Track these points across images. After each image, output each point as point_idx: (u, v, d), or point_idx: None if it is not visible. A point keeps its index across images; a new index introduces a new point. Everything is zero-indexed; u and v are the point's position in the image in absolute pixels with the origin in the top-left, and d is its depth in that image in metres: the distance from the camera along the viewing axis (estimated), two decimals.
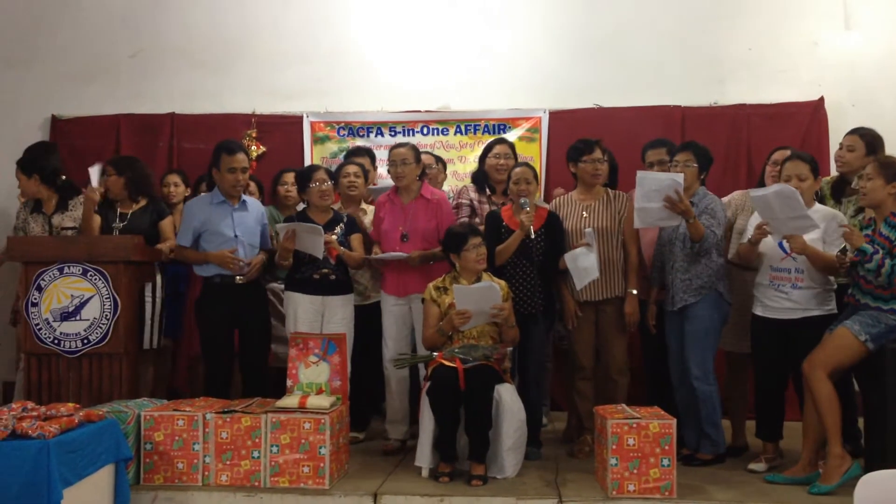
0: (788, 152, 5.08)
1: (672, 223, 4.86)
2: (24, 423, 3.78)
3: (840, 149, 5.19)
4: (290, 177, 5.94)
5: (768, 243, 4.70)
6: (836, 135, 6.43)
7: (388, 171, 5.41)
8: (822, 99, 6.78)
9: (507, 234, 5.12)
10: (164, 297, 5.46)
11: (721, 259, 4.95)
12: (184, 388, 6.10)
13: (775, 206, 4.46)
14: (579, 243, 5.02)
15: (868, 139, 5.08)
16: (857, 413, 4.86)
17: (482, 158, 5.81)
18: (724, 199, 5.24)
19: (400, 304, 5.30)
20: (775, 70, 6.93)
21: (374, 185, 6.11)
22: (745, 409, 5.29)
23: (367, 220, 5.67)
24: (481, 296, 4.71)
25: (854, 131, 5.18)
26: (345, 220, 5.37)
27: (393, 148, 5.39)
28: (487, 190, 5.76)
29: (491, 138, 6.61)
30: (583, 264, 4.95)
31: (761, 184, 5.25)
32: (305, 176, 5.37)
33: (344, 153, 6.47)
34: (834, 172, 5.47)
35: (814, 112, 6.78)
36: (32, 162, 5.65)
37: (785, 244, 4.59)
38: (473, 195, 5.79)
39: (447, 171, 6.59)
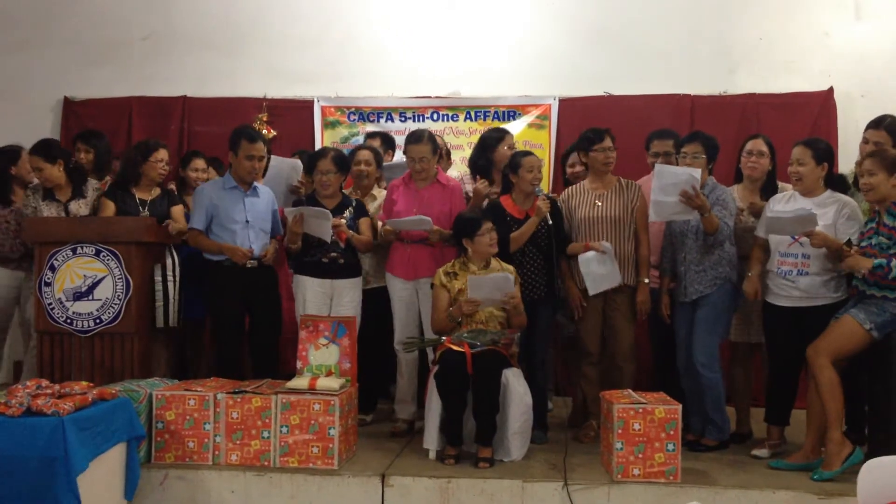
0: (760, 140, 5.21)
1: (687, 217, 4.87)
2: (39, 400, 3.85)
3: (866, 143, 5.06)
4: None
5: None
6: (845, 125, 6.49)
7: (409, 165, 5.35)
8: (831, 89, 6.79)
9: (513, 222, 5.15)
10: (181, 277, 5.50)
11: (733, 248, 4.98)
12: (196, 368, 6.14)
13: (789, 223, 4.55)
14: (592, 245, 5.03)
15: (892, 129, 4.99)
16: (863, 401, 4.88)
17: (488, 148, 5.74)
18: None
19: (407, 289, 5.31)
20: (785, 60, 6.94)
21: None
22: (749, 396, 5.32)
23: (376, 205, 5.65)
24: (495, 285, 4.77)
25: (879, 124, 5.04)
26: (353, 204, 5.40)
27: (410, 143, 5.33)
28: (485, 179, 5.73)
29: (501, 125, 6.63)
30: (598, 270, 5.00)
31: (738, 173, 5.30)
32: (311, 163, 5.39)
33: (363, 137, 6.49)
34: (850, 165, 5.43)
35: (823, 102, 6.78)
36: (54, 148, 5.64)
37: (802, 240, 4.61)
38: (469, 186, 5.78)
39: (454, 157, 6.56)
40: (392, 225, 5.26)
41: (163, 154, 5.61)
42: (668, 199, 4.75)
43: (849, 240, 4.44)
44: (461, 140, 6.93)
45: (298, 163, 5.86)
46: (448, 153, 6.36)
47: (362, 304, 5.39)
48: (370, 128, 7.05)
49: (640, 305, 5.15)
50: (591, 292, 5.05)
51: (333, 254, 5.24)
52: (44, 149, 5.60)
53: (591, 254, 5.01)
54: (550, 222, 5.06)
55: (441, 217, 5.21)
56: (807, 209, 4.57)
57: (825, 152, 4.74)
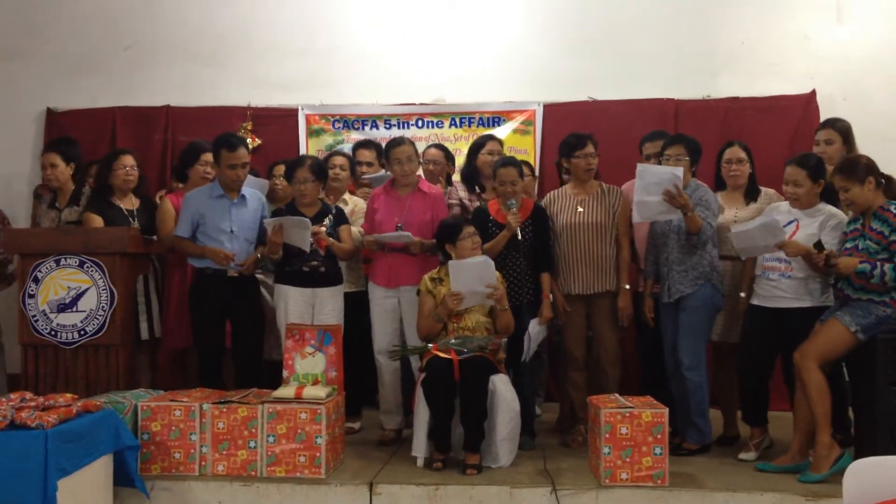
0: (737, 147, 5.23)
1: (670, 216, 4.88)
2: (23, 413, 3.82)
3: (817, 145, 5.30)
4: (280, 169, 5.93)
5: None
6: None
7: (394, 169, 5.33)
8: (813, 92, 6.81)
9: (495, 227, 5.16)
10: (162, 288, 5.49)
11: (715, 250, 5.00)
12: (170, 380, 6.10)
13: (757, 236, 4.58)
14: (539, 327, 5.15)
15: (841, 129, 5.27)
16: (847, 403, 4.92)
17: (472, 155, 5.79)
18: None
19: (389, 297, 5.29)
20: (767, 63, 6.95)
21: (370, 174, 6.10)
22: (734, 398, 5.31)
23: (347, 210, 5.60)
24: (476, 270, 4.76)
25: (827, 124, 5.34)
26: (333, 211, 5.37)
27: (393, 147, 5.33)
28: (476, 188, 5.73)
29: (485, 131, 6.64)
30: (536, 329, 5.14)
31: (719, 181, 5.31)
32: (291, 171, 5.34)
33: (352, 146, 6.47)
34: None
35: (806, 105, 6.80)
36: (73, 149, 5.64)
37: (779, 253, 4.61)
38: (463, 194, 5.79)
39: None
40: (374, 238, 5.26)
41: (127, 160, 5.54)
42: (651, 199, 4.76)
43: (818, 241, 4.43)
44: (446, 146, 6.90)
45: (266, 183, 5.86)
46: (452, 158, 6.35)
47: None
48: (355, 135, 7.05)
49: (621, 311, 5.16)
50: (525, 357, 5.13)
51: (314, 262, 5.20)
52: (64, 146, 5.63)
53: (540, 328, 5.14)
54: (520, 237, 5.07)
55: (422, 225, 5.21)
56: (770, 217, 4.60)
57: (819, 167, 4.72)
